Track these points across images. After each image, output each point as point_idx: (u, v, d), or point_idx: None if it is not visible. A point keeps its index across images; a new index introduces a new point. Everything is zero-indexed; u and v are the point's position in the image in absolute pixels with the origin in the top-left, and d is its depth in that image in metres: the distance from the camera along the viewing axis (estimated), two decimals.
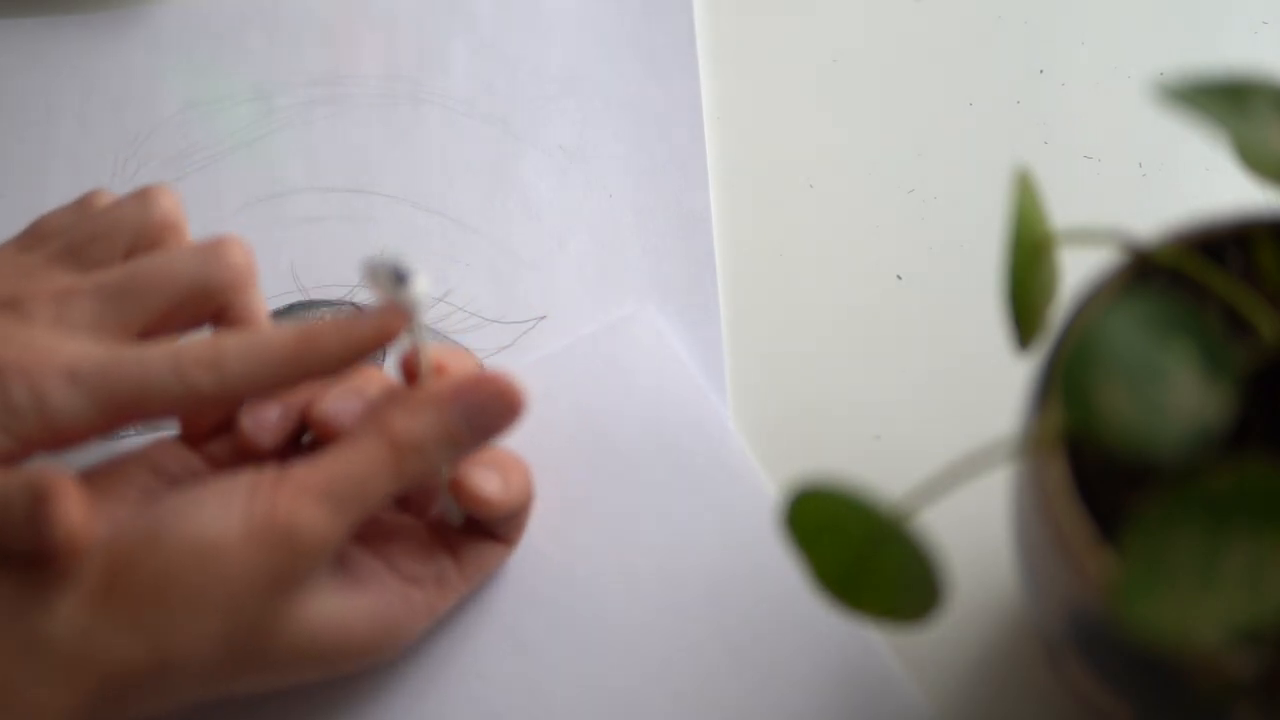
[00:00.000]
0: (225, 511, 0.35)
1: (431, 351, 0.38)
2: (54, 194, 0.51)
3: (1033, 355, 0.33)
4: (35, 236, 0.41)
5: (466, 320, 0.48)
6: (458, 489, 0.39)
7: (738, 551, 0.43)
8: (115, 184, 0.51)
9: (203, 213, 0.50)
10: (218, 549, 0.34)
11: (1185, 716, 0.31)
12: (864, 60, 0.53)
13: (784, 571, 0.42)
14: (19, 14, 0.55)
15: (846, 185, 0.50)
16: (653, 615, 0.42)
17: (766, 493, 0.43)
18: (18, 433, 0.35)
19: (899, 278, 0.48)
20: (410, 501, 0.41)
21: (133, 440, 0.44)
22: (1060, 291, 0.34)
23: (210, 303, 0.39)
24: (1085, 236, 0.33)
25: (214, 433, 0.39)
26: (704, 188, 0.50)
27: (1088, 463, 0.31)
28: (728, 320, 0.48)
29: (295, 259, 0.49)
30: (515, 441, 0.41)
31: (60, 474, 0.34)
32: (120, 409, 0.36)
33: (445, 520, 0.41)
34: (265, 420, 0.39)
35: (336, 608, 0.37)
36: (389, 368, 0.45)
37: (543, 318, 0.48)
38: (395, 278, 0.35)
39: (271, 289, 0.48)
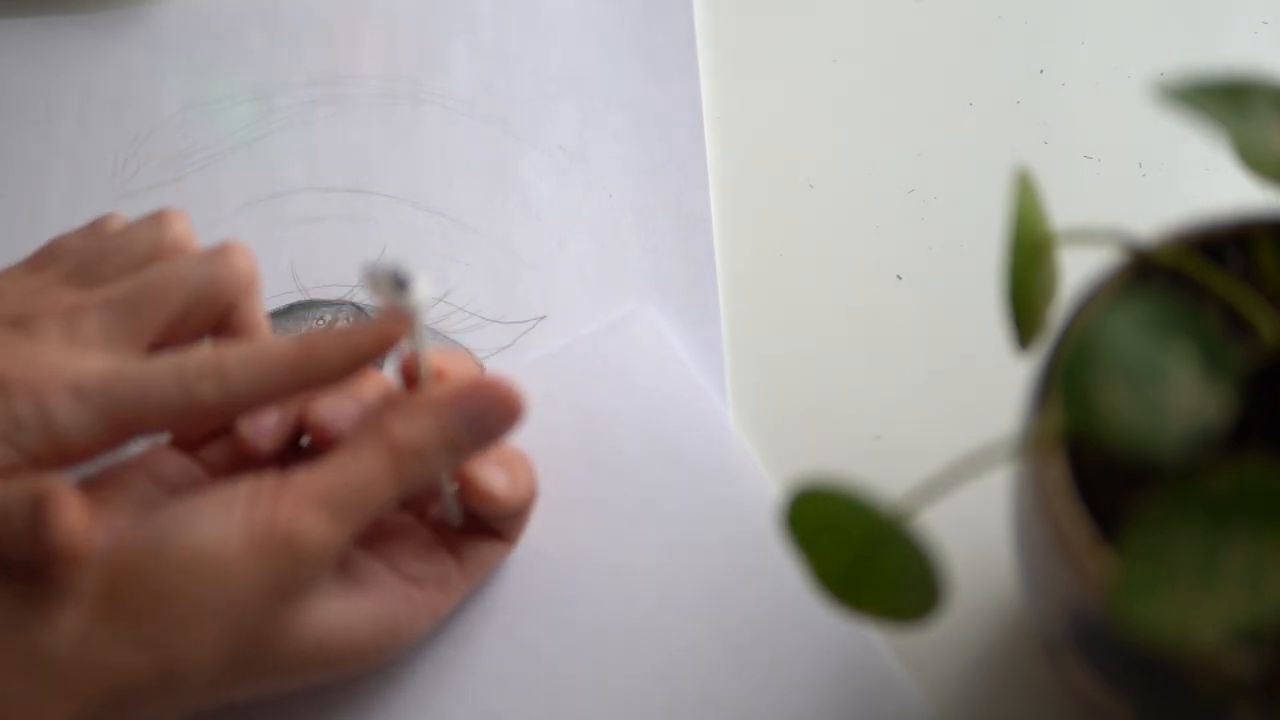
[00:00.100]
0: (226, 521, 0.35)
1: (431, 356, 0.38)
2: (54, 194, 0.51)
3: (1033, 355, 0.33)
4: (46, 258, 0.41)
5: (466, 320, 0.48)
6: (466, 485, 0.39)
7: (738, 550, 0.43)
8: (115, 184, 0.51)
9: (203, 213, 0.50)
10: (219, 559, 0.34)
11: (1185, 716, 0.31)
12: (864, 60, 0.53)
13: (784, 571, 0.42)
14: (19, 14, 0.55)
15: (846, 185, 0.50)
16: (652, 615, 0.42)
17: (767, 490, 0.43)
18: (24, 448, 0.35)
19: (899, 278, 0.48)
20: (411, 501, 0.41)
21: (131, 449, 0.44)
22: (1060, 291, 0.34)
23: (217, 308, 0.39)
24: (1085, 236, 0.33)
25: (208, 438, 0.39)
26: (704, 188, 0.50)
27: (1088, 463, 0.31)
28: (728, 320, 0.48)
29: (295, 259, 0.49)
30: (515, 441, 0.41)
31: (60, 483, 0.34)
32: (125, 422, 0.36)
33: (446, 520, 0.41)
34: (263, 425, 0.39)
35: (339, 612, 0.37)
36: (388, 371, 0.45)
37: (543, 318, 0.48)
38: (396, 284, 0.35)
39: (271, 289, 0.48)
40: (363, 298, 0.48)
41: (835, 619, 0.41)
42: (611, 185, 0.50)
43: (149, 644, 0.34)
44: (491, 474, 0.39)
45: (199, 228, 0.50)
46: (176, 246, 0.41)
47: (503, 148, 0.51)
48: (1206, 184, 0.49)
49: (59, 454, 0.36)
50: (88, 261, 0.40)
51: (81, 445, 0.36)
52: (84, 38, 0.54)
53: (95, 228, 0.42)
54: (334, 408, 0.39)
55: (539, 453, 0.42)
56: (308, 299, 0.48)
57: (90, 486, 0.37)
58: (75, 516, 0.34)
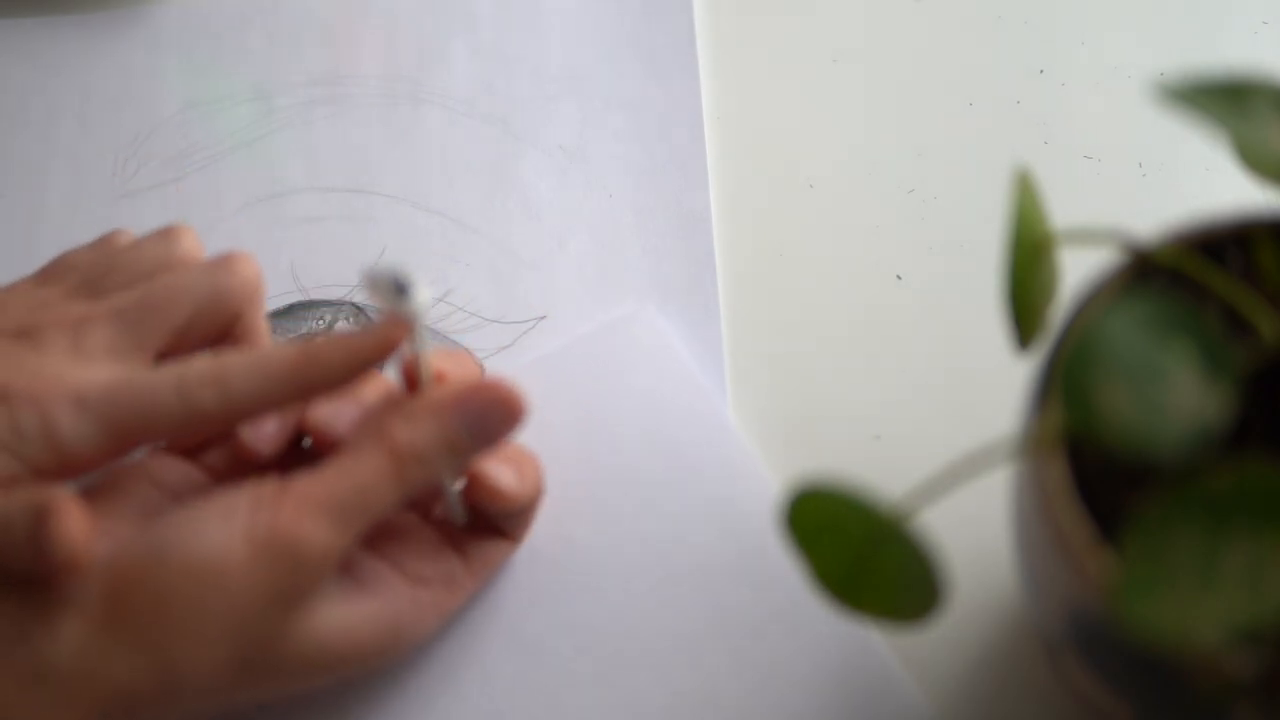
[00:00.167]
0: (227, 528, 0.35)
1: (432, 359, 0.38)
2: (54, 194, 0.51)
3: (1033, 355, 0.33)
4: (53, 272, 0.41)
5: (466, 320, 0.48)
6: (473, 483, 0.39)
7: (739, 549, 0.43)
8: (115, 184, 0.51)
9: (203, 213, 0.50)
10: (221, 567, 0.34)
11: (1185, 716, 0.31)
12: (864, 60, 0.53)
13: (785, 569, 0.42)
14: (19, 14, 0.55)
15: (846, 185, 0.50)
16: (653, 614, 0.42)
17: (768, 488, 0.43)
18: (27, 458, 0.35)
19: (899, 278, 0.48)
20: (415, 501, 0.41)
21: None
22: (1060, 291, 0.34)
23: (223, 317, 0.39)
24: (1085, 236, 0.33)
25: (210, 443, 0.39)
26: (704, 188, 0.50)
27: (1088, 463, 0.31)
28: (728, 320, 0.48)
29: (295, 259, 0.49)
30: (516, 439, 0.41)
31: (61, 493, 0.34)
32: (127, 432, 0.36)
33: (450, 520, 0.41)
34: (264, 430, 0.39)
35: (343, 615, 0.37)
36: (389, 372, 0.45)
37: (543, 318, 0.48)
38: (396, 288, 0.35)
39: (271, 289, 0.48)
40: (363, 298, 0.48)
41: (836, 618, 0.41)
42: (611, 185, 0.50)
43: (152, 652, 0.34)
44: (499, 471, 0.39)
45: (199, 228, 0.50)
46: (185, 262, 0.41)
47: (503, 148, 0.51)
48: (1206, 184, 0.49)
49: (62, 464, 0.35)
50: (95, 275, 0.40)
51: (84, 455, 0.36)
52: (84, 38, 0.54)
53: (104, 243, 0.42)
54: (334, 410, 0.39)
55: (539, 452, 0.42)
56: (308, 299, 0.48)
57: (92, 493, 0.37)
58: (76, 526, 0.34)
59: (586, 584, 0.42)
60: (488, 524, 0.41)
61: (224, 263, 0.40)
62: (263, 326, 0.41)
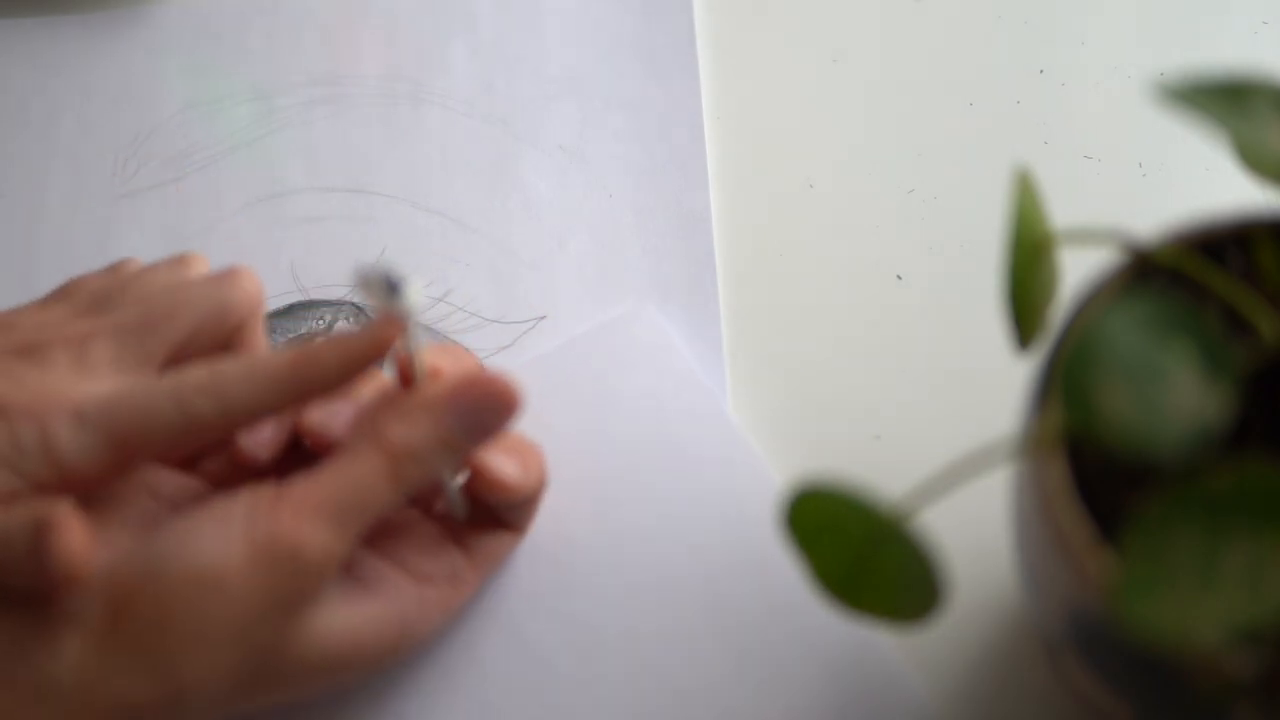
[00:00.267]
0: (225, 537, 0.34)
1: (426, 356, 0.38)
2: (54, 194, 0.51)
3: (1033, 355, 0.33)
4: (62, 294, 0.41)
5: (466, 320, 0.48)
6: (476, 475, 0.39)
7: (741, 545, 0.43)
8: (115, 184, 0.51)
9: (203, 213, 0.50)
10: (221, 576, 0.34)
11: (1185, 716, 0.31)
12: (864, 60, 0.53)
13: (788, 567, 0.42)
14: (19, 14, 0.55)
15: (846, 185, 0.50)
16: (655, 612, 0.42)
17: (770, 483, 0.43)
18: (27, 474, 0.35)
19: (899, 278, 0.48)
20: (416, 497, 0.41)
21: None
22: (1060, 291, 0.34)
23: (226, 329, 0.39)
24: (1085, 236, 0.33)
25: (203, 453, 0.39)
26: (704, 188, 0.50)
27: (1088, 463, 0.31)
28: (728, 320, 0.48)
29: (295, 259, 0.49)
30: None
31: (61, 506, 0.34)
32: (127, 444, 0.36)
33: (451, 515, 0.41)
34: (261, 435, 0.39)
35: (347, 618, 0.37)
36: (387, 371, 0.45)
37: (543, 318, 0.48)
38: (388, 287, 0.35)
39: (271, 289, 0.48)
40: (362, 297, 0.48)
41: (838, 615, 0.41)
42: (611, 185, 0.50)
43: (155, 666, 0.34)
44: (502, 463, 0.39)
45: (199, 228, 0.50)
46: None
47: (503, 148, 0.51)
48: (1206, 184, 0.49)
49: (63, 479, 0.35)
50: (103, 297, 0.40)
51: (85, 469, 0.35)
52: (84, 38, 0.54)
53: (114, 269, 0.42)
54: (328, 411, 0.39)
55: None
56: (308, 299, 0.48)
57: (90, 505, 0.36)
58: (77, 540, 0.33)
59: (587, 583, 0.42)
60: (490, 516, 0.41)
61: (227, 277, 0.40)
62: (263, 340, 0.41)
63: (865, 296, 0.48)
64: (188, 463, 0.39)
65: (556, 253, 0.49)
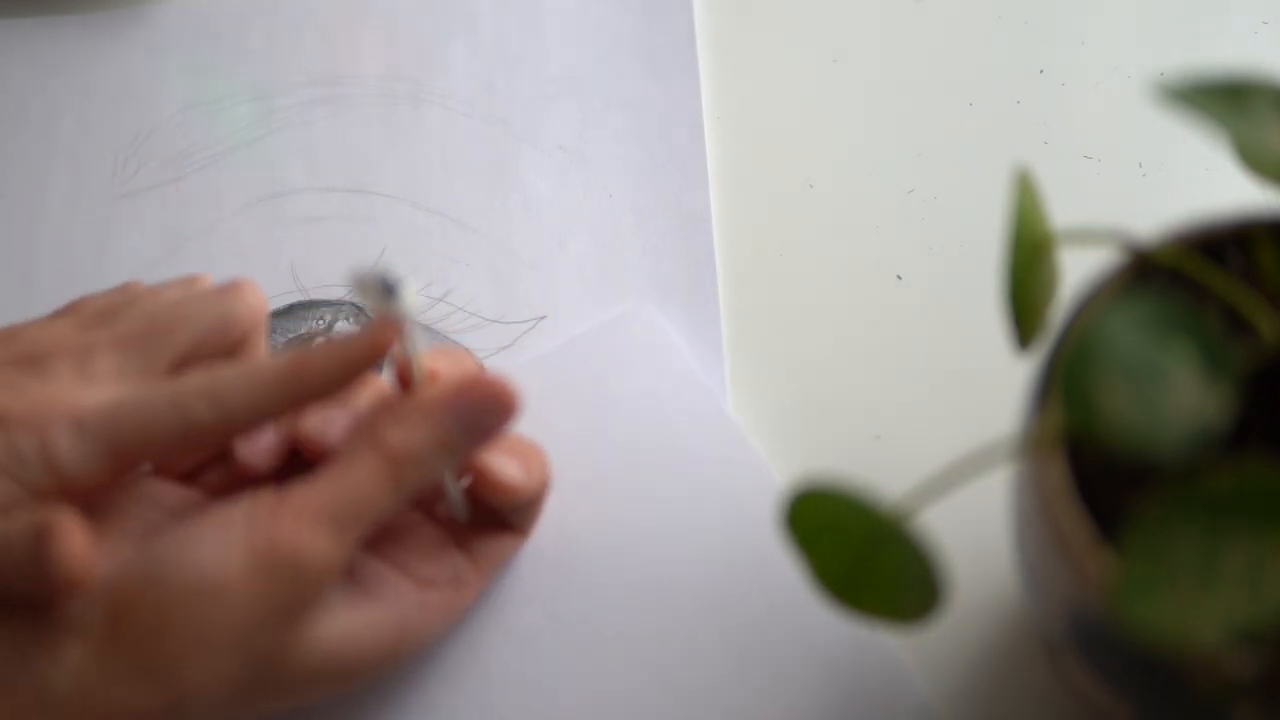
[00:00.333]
0: (225, 543, 0.34)
1: (424, 358, 0.38)
2: (54, 194, 0.51)
3: (1033, 355, 0.33)
4: (68, 309, 0.41)
5: (466, 320, 0.48)
6: (479, 477, 0.39)
7: (742, 543, 0.43)
8: (115, 184, 0.51)
9: (203, 213, 0.50)
10: (221, 585, 0.34)
11: (1185, 716, 0.31)
12: (864, 60, 0.53)
13: (787, 565, 0.42)
14: (19, 14, 0.55)
15: (846, 185, 0.50)
16: (655, 612, 0.42)
17: (771, 481, 0.43)
18: (27, 482, 0.35)
19: (899, 278, 0.48)
20: (418, 500, 0.41)
21: None
22: (1060, 291, 0.34)
23: (228, 341, 0.39)
24: (1085, 236, 0.33)
25: (202, 465, 0.39)
26: (704, 188, 0.50)
27: (1088, 463, 0.31)
28: (728, 320, 0.48)
29: (295, 259, 0.49)
30: None
31: (62, 513, 0.34)
32: (126, 451, 0.35)
33: (452, 517, 0.41)
34: (259, 445, 0.38)
35: (349, 624, 0.37)
36: (386, 375, 0.45)
37: (543, 318, 0.48)
38: (384, 289, 0.35)
39: (271, 289, 0.48)
40: (359, 300, 0.48)
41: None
42: (611, 185, 0.50)
43: (156, 674, 0.34)
44: (505, 464, 0.39)
45: (199, 228, 0.50)
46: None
47: (503, 148, 0.51)
48: (1206, 184, 0.49)
49: (63, 487, 0.35)
50: (108, 313, 0.40)
51: (84, 477, 0.35)
52: (84, 38, 0.54)
53: (121, 288, 0.42)
54: (324, 419, 0.38)
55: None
56: (308, 299, 0.48)
57: (92, 516, 0.36)
58: (78, 545, 0.33)
59: (587, 583, 0.42)
60: (493, 519, 0.41)
61: (230, 289, 0.40)
62: (264, 351, 0.41)
63: (865, 296, 0.48)
64: (188, 476, 0.39)
65: (556, 253, 0.49)
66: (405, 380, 0.38)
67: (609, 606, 0.42)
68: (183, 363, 0.39)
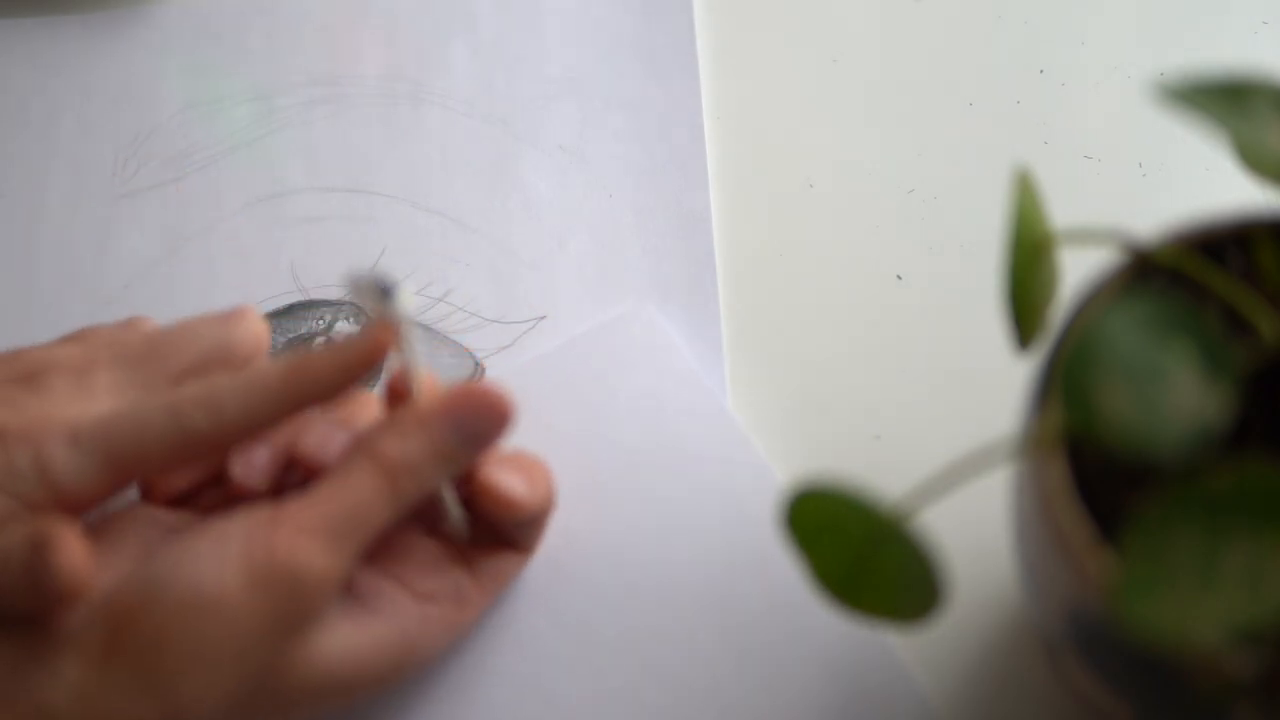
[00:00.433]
0: (222, 558, 0.34)
1: (423, 368, 0.38)
2: (54, 194, 0.51)
3: (1033, 355, 0.33)
4: (73, 336, 0.41)
5: (466, 320, 0.48)
6: (483, 492, 0.39)
7: (742, 543, 0.43)
8: (115, 184, 0.51)
9: (203, 213, 0.50)
10: (219, 599, 0.34)
11: (1185, 716, 0.31)
12: (864, 60, 0.53)
13: (787, 565, 0.42)
14: (19, 14, 0.55)
15: (846, 185, 0.50)
16: (655, 612, 0.42)
17: (771, 480, 0.43)
18: (23, 496, 0.35)
19: (899, 278, 0.48)
20: (422, 516, 0.40)
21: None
22: (1060, 291, 0.34)
23: (228, 367, 0.39)
24: (1085, 236, 0.33)
25: (198, 489, 0.39)
26: (704, 188, 0.50)
27: (1088, 463, 0.31)
28: (728, 320, 0.48)
29: (295, 259, 0.49)
30: (515, 441, 0.41)
31: (60, 524, 0.33)
32: (122, 461, 0.35)
33: (452, 536, 0.40)
34: (255, 463, 0.38)
35: (348, 638, 0.36)
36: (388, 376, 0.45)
37: (543, 318, 0.48)
38: (380, 292, 0.35)
39: (272, 289, 0.48)
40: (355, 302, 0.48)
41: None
42: (611, 185, 0.50)
43: (153, 689, 0.34)
44: (509, 478, 0.39)
45: (199, 228, 0.50)
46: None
47: (503, 148, 0.51)
48: (1206, 184, 0.49)
49: (59, 501, 0.35)
50: (112, 341, 0.39)
51: (81, 490, 0.35)
52: (84, 38, 0.54)
53: (128, 321, 0.42)
54: (324, 436, 0.38)
55: (540, 451, 0.42)
56: (308, 299, 0.48)
57: (89, 536, 0.36)
58: (77, 555, 0.33)
59: (587, 583, 0.42)
60: (497, 537, 0.41)
61: (233, 316, 0.39)
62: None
63: (865, 296, 0.48)
64: (183, 501, 0.39)
65: (556, 253, 0.49)
66: (396, 392, 0.38)
67: (609, 606, 0.42)
68: (182, 379, 0.38)
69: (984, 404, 0.41)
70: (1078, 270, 0.34)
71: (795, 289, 0.48)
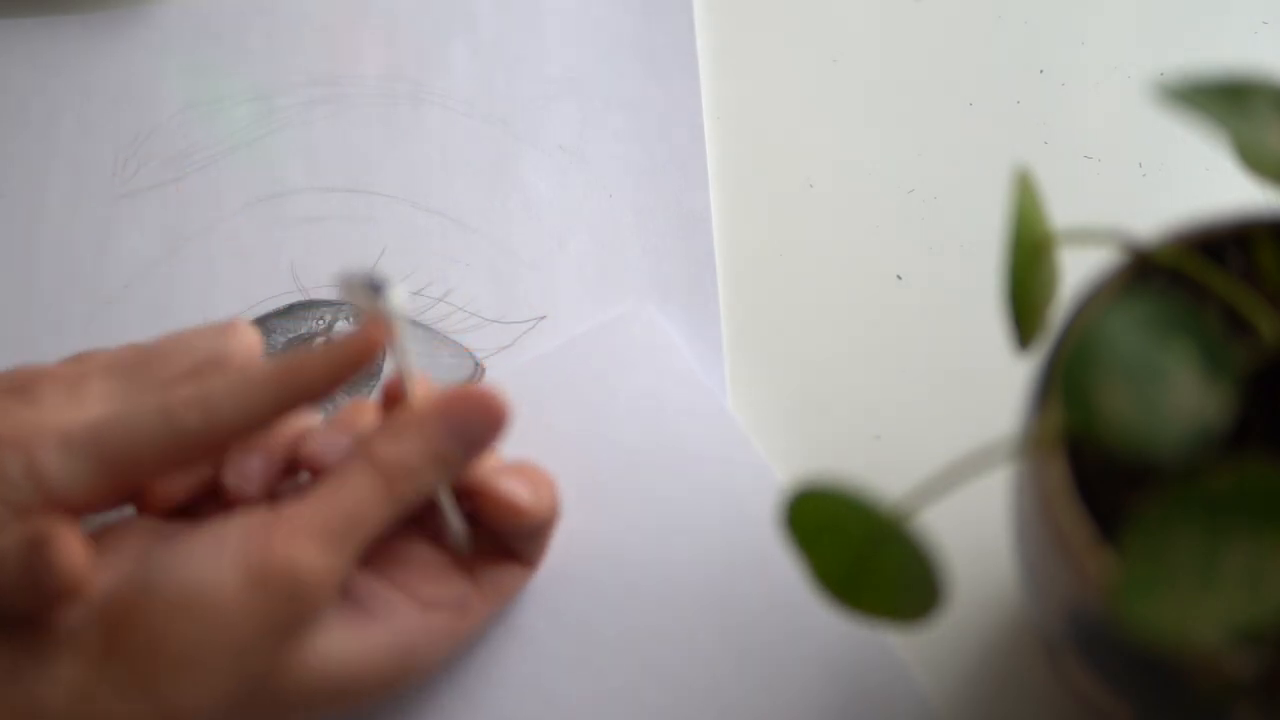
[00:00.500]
0: (220, 560, 0.34)
1: (417, 367, 0.37)
2: (54, 194, 0.51)
3: (1033, 355, 0.33)
4: (73, 358, 0.40)
5: (466, 320, 0.48)
6: (487, 499, 0.39)
7: (742, 543, 0.43)
8: (115, 184, 0.51)
9: (203, 213, 0.50)
10: (215, 599, 0.34)
11: (1185, 716, 0.31)
12: (864, 60, 0.53)
13: (787, 564, 0.42)
14: (19, 14, 0.55)
15: (846, 185, 0.50)
16: (655, 612, 0.42)
17: (771, 480, 0.43)
18: (15, 504, 0.34)
19: (899, 278, 0.48)
20: (426, 525, 0.40)
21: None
22: (1060, 291, 0.34)
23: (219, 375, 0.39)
24: (1085, 236, 0.33)
25: (193, 502, 0.39)
26: (704, 188, 0.50)
27: (1088, 463, 0.31)
28: (728, 320, 0.48)
29: (295, 259, 0.49)
30: (515, 441, 0.41)
31: (58, 523, 0.33)
32: (117, 466, 0.35)
33: (453, 548, 0.40)
34: (249, 471, 0.38)
35: (347, 643, 0.36)
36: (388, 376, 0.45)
37: (543, 318, 0.48)
38: (370, 290, 0.35)
39: (272, 289, 0.48)
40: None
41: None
42: (611, 185, 0.50)
43: (150, 691, 0.34)
44: (514, 485, 0.39)
45: (199, 228, 0.50)
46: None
47: (503, 148, 0.51)
48: (1206, 184, 0.49)
49: (54, 507, 0.35)
50: (111, 361, 0.39)
51: (76, 495, 0.35)
52: (84, 38, 0.54)
53: (128, 346, 0.42)
54: (327, 441, 0.38)
55: (538, 452, 0.42)
56: (308, 299, 0.48)
57: (88, 538, 0.36)
58: (76, 553, 0.33)
59: (588, 582, 0.42)
60: (501, 548, 0.41)
61: (226, 328, 0.39)
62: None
63: (865, 296, 0.48)
64: (178, 513, 0.39)
65: (556, 253, 0.49)
66: (391, 394, 0.38)
67: (609, 606, 0.42)
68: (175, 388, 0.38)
69: (984, 404, 0.41)
70: (1078, 270, 0.34)
71: (795, 289, 0.48)
